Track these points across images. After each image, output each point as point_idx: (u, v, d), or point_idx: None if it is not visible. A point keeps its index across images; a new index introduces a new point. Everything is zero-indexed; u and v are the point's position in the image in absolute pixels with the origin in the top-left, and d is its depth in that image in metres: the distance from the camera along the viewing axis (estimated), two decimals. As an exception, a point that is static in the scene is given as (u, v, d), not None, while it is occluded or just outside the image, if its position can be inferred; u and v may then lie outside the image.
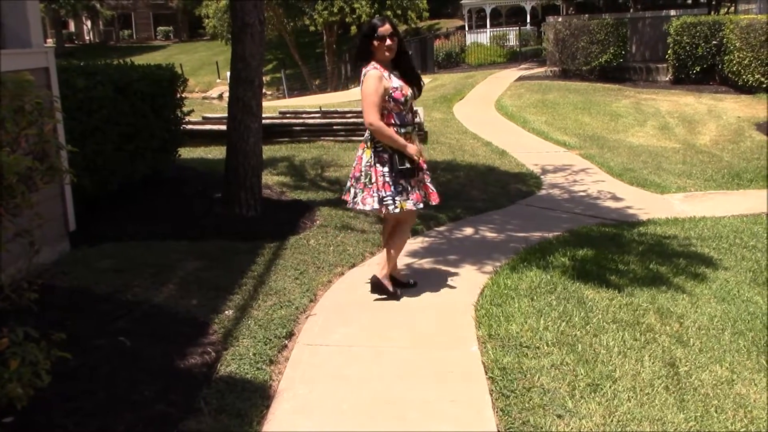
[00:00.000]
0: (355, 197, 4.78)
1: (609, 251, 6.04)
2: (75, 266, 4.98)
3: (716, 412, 3.52)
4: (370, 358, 4.01)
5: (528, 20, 32.86)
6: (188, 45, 50.43)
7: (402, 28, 28.01)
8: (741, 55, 17.14)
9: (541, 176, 9.75)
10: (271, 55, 38.47)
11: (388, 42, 4.56)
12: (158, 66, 7.68)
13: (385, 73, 4.62)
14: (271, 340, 4.10)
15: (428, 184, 4.85)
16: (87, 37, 56.09)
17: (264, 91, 7.15)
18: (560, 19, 21.59)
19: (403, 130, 4.66)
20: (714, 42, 18.02)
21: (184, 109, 8.13)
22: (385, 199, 4.64)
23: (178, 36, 54.77)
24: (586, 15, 22.08)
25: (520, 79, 20.97)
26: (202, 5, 35.56)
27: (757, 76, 16.90)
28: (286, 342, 4.17)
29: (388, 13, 27.05)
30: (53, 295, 4.38)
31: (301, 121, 12.52)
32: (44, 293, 3.20)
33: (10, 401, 2.51)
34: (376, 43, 4.58)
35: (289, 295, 4.82)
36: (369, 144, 4.71)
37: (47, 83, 5.07)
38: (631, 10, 23.88)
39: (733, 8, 24.09)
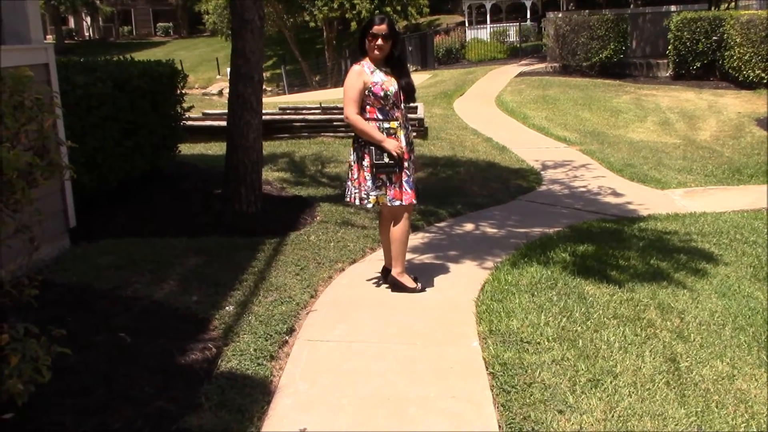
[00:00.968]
0: (347, 191, 4.93)
1: (610, 247, 6.04)
2: (75, 262, 4.97)
3: (717, 407, 3.51)
4: (370, 354, 4.01)
5: (528, 16, 32.84)
6: (188, 41, 50.40)
7: (402, 24, 27.98)
8: (741, 51, 17.12)
9: (542, 172, 9.75)
10: (271, 51, 38.43)
11: (379, 42, 4.57)
12: (158, 62, 7.66)
13: (368, 69, 4.66)
14: (271, 336, 4.10)
15: (404, 183, 4.74)
16: (87, 34, 56.04)
17: (264, 87, 7.12)
18: (560, 15, 21.56)
19: (386, 125, 4.68)
20: (714, 38, 18.00)
21: (184, 105, 8.11)
22: (362, 192, 4.77)
23: (178, 32, 54.72)
24: (587, 11, 22.06)
25: (521, 75, 20.95)
26: (202, 1, 35.54)
27: (757, 72, 16.88)
28: (287, 338, 4.17)
29: (388, 9, 27.01)
30: (53, 291, 4.38)
31: (301, 117, 12.52)
32: (44, 289, 3.20)
33: (10, 397, 2.51)
34: (368, 39, 4.62)
35: (290, 291, 4.82)
36: (354, 139, 4.83)
37: (47, 79, 5.06)
38: (632, 6, 23.87)
39: (733, 4, 24.07)
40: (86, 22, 55.66)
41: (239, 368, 3.69)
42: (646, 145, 12.03)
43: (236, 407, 3.31)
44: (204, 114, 12.60)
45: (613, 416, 3.35)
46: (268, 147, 10.16)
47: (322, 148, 10.85)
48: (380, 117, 4.69)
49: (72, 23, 55.57)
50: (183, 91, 8.05)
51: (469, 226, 6.85)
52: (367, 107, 4.69)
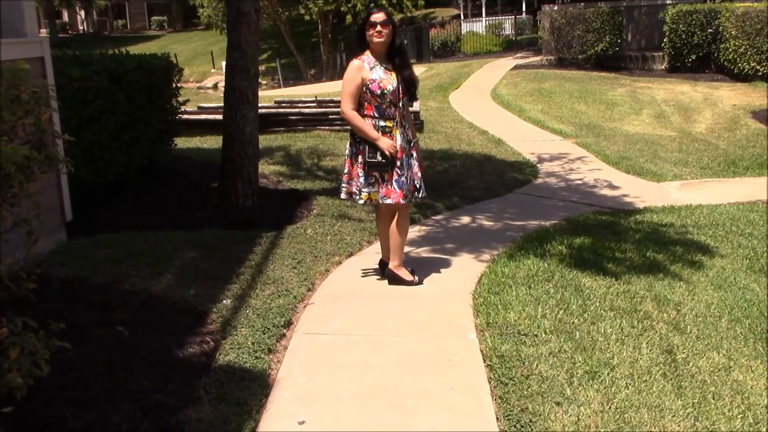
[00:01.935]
0: (341, 185, 4.94)
1: (606, 239, 6.05)
2: (72, 256, 4.97)
3: (713, 398, 3.53)
4: (368, 346, 4.01)
5: (524, 9, 32.79)
6: (183, 35, 50.22)
7: (397, 16, 27.88)
8: (737, 43, 17.13)
9: (538, 165, 9.75)
10: (266, 44, 38.34)
11: (378, 28, 4.56)
12: (154, 55, 7.64)
13: (367, 64, 4.63)
14: (269, 329, 4.10)
15: (393, 182, 4.70)
16: (81, 27, 55.82)
17: (259, 80, 7.12)
18: (556, 8, 21.52)
19: (381, 123, 4.66)
20: (710, 30, 18.00)
21: (180, 99, 8.10)
22: (353, 188, 4.77)
23: (173, 26, 54.53)
24: (582, 3, 21.99)
25: (516, 68, 20.93)
26: None
27: (753, 64, 16.90)
28: (285, 331, 4.17)
29: (383, 1, 26.93)
30: (51, 285, 4.37)
31: (296, 110, 12.50)
32: (42, 284, 3.19)
33: (9, 391, 2.51)
34: (368, 31, 4.62)
35: (287, 284, 4.82)
36: (351, 133, 4.82)
37: (42, 73, 5.04)
38: None
39: None
40: (80, 15, 55.43)
41: (237, 361, 3.70)
42: (642, 137, 12.05)
43: (235, 400, 3.32)
44: (200, 107, 12.58)
45: (610, 408, 3.37)
46: (264, 140, 10.15)
47: (318, 142, 10.84)
48: (376, 114, 4.67)
49: (66, 17, 55.33)
50: (179, 85, 8.03)
51: (465, 219, 6.86)
52: (365, 104, 4.67)
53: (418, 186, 4.83)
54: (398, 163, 4.68)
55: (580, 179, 8.92)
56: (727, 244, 6.13)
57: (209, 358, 3.72)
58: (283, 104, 13.17)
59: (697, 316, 4.53)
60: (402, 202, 4.73)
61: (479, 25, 30.99)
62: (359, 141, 4.71)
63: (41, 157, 2.73)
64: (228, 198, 6.59)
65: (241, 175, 6.57)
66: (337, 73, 30.83)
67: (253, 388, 3.46)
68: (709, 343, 4.15)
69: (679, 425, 3.27)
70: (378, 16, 4.59)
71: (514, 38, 28.71)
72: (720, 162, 10.16)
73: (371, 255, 5.60)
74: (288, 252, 5.47)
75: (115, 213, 6.15)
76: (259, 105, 7.47)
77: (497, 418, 3.30)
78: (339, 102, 12.53)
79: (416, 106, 12.90)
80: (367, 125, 4.64)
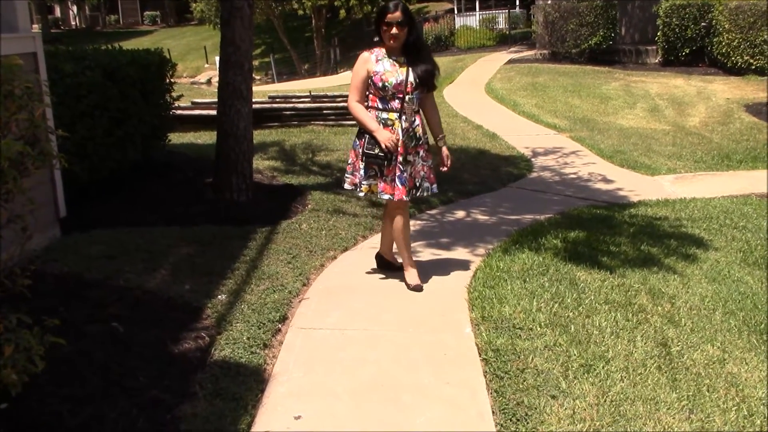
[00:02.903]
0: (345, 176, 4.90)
1: (600, 233, 6.06)
2: (66, 253, 4.95)
3: (708, 391, 3.54)
4: (364, 341, 4.02)
5: (517, 3, 32.74)
6: (175, 30, 50.04)
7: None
8: (730, 37, 17.16)
9: (532, 159, 9.76)
10: (260, 39, 38.22)
11: (394, 30, 4.44)
12: (147, 51, 7.62)
13: (375, 57, 4.57)
14: (264, 324, 4.10)
15: (396, 178, 4.63)
16: (73, 23, 55.57)
17: (253, 75, 7.09)
18: (549, 2, 21.51)
19: (384, 116, 4.58)
20: (703, 24, 18.03)
21: (174, 94, 8.07)
22: (356, 179, 4.73)
23: (165, 21, 54.31)
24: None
25: (510, 62, 20.92)
26: None
27: (746, 58, 16.93)
28: (280, 326, 4.17)
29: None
30: (45, 281, 4.36)
31: (290, 105, 12.48)
32: (36, 280, 3.18)
33: (4, 388, 2.50)
34: (383, 29, 4.49)
35: (282, 279, 4.82)
36: (358, 126, 4.78)
37: (35, 68, 5.02)
38: None
39: None
40: (72, 10, 55.16)
41: (233, 357, 3.70)
42: (636, 131, 12.06)
43: (230, 395, 3.31)
44: (193, 103, 12.54)
45: (605, 401, 3.38)
46: (258, 136, 10.12)
47: (313, 137, 10.83)
48: (380, 106, 4.61)
49: (58, 12, 55.07)
50: (172, 80, 8.01)
51: (460, 214, 6.86)
52: (370, 95, 4.63)
53: (417, 184, 4.74)
54: (399, 158, 4.61)
55: (574, 173, 8.93)
56: (721, 237, 6.14)
57: (205, 354, 3.72)
58: (277, 99, 13.15)
59: (692, 309, 4.54)
60: (405, 198, 4.67)
61: (473, 20, 30.94)
62: (363, 132, 4.66)
63: (35, 152, 2.72)
64: (222, 193, 6.58)
65: (235, 170, 6.56)
66: (331, 68, 30.82)
67: (248, 383, 3.46)
68: (704, 336, 4.17)
69: (673, 417, 3.28)
70: (394, 16, 4.43)
71: (507, 32, 28.67)
72: (714, 155, 10.18)
73: (366, 250, 5.60)
74: (283, 247, 5.47)
75: (109, 209, 6.13)
76: (253, 100, 7.46)
77: (493, 412, 3.31)
78: (333, 97, 12.47)
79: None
80: (367, 117, 4.59)
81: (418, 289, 4.76)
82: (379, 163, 4.59)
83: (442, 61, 23.23)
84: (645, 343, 4.00)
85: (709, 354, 3.95)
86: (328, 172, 8.32)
